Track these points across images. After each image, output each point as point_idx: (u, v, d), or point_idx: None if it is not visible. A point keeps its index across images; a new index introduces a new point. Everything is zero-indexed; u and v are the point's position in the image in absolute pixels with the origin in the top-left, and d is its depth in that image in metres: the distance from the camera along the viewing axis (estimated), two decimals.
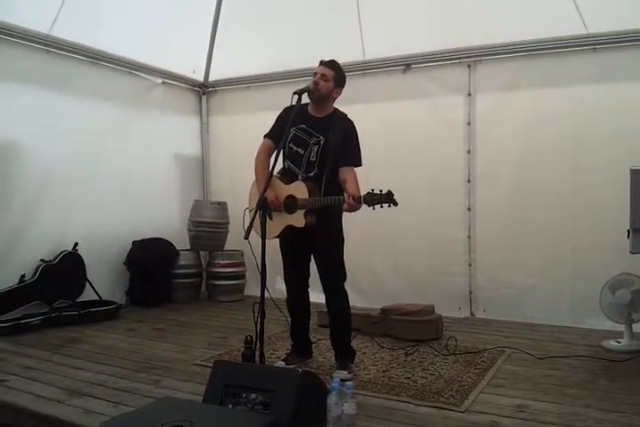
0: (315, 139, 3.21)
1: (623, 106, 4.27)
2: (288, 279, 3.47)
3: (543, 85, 4.58)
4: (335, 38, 5.15)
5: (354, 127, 3.26)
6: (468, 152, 4.86)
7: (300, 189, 3.15)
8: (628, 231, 3.44)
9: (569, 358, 3.57)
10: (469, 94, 4.85)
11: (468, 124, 4.86)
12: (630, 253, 3.46)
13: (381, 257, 5.18)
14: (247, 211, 3.33)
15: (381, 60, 5.15)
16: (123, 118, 5.37)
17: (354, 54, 5.16)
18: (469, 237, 4.88)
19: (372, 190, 2.87)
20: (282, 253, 3.43)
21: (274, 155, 3.17)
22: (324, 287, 3.30)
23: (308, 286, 3.45)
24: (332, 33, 5.19)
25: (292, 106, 3.16)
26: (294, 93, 3.12)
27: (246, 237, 2.93)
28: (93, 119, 5.05)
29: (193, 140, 6.32)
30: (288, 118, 3.14)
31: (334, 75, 3.18)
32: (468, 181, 4.86)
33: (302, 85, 3.19)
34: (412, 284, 4.95)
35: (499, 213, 4.76)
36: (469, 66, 4.85)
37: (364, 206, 2.92)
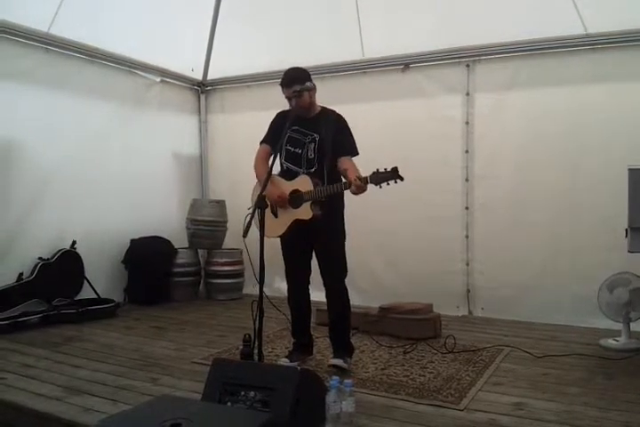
0: (309, 137, 3.30)
1: (621, 106, 4.27)
2: (290, 277, 3.48)
3: (542, 85, 4.58)
4: (334, 37, 5.17)
5: (343, 119, 3.36)
6: (466, 151, 4.86)
7: (304, 183, 3.21)
8: (626, 230, 3.45)
9: (567, 357, 3.57)
10: (468, 94, 4.86)
11: (467, 123, 4.86)
12: (628, 251, 3.47)
13: (380, 256, 5.18)
14: (249, 210, 3.33)
15: (380, 59, 5.14)
16: (121, 117, 5.37)
17: (353, 53, 5.15)
18: (467, 236, 4.88)
19: (377, 169, 2.91)
20: (283, 250, 3.45)
21: (271, 159, 3.20)
22: (324, 283, 3.34)
23: (309, 283, 3.47)
24: (332, 32, 5.19)
25: (283, 111, 3.33)
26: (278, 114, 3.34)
27: (245, 236, 2.93)
28: (92, 118, 5.05)
29: (192, 138, 6.32)
30: (281, 123, 3.24)
31: (300, 86, 3.20)
32: (466, 179, 4.87)
33: None
34: (411, 282, 4.95)
35: (497, 212, 4.76)
36: (468, 65, 4.86)
37: (372, 187, 2.93)
